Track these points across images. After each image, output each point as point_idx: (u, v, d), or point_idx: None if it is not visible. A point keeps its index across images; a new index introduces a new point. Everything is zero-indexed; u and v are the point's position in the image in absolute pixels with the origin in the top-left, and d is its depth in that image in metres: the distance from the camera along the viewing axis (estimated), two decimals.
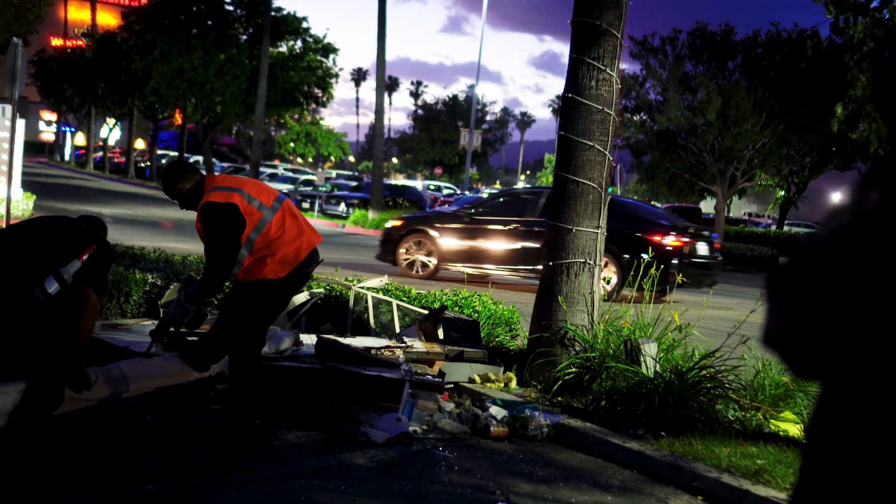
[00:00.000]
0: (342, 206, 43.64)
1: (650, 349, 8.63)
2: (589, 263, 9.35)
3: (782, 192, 52.54)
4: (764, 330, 1.82)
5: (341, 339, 8.66)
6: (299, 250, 6.99)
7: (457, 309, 10.73)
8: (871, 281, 1.58)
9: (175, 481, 5.91)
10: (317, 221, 39.74)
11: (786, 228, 54.44)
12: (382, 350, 8.71)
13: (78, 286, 5.82)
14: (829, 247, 1.65)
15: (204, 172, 7.18)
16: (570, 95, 9.38)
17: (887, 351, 1.57)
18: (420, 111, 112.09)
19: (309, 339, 8.90)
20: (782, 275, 1.75)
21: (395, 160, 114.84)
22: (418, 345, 9.25)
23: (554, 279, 9.39)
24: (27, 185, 26.37)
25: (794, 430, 8.16)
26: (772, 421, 8.22)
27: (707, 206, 65.95)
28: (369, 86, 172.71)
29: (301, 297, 10.43)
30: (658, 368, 8.51)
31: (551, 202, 9.64)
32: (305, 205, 44.48)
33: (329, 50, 54.82)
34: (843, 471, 1.65)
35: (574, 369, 8.89)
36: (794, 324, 1.70)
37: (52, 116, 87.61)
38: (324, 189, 48.07)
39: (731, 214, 68.22)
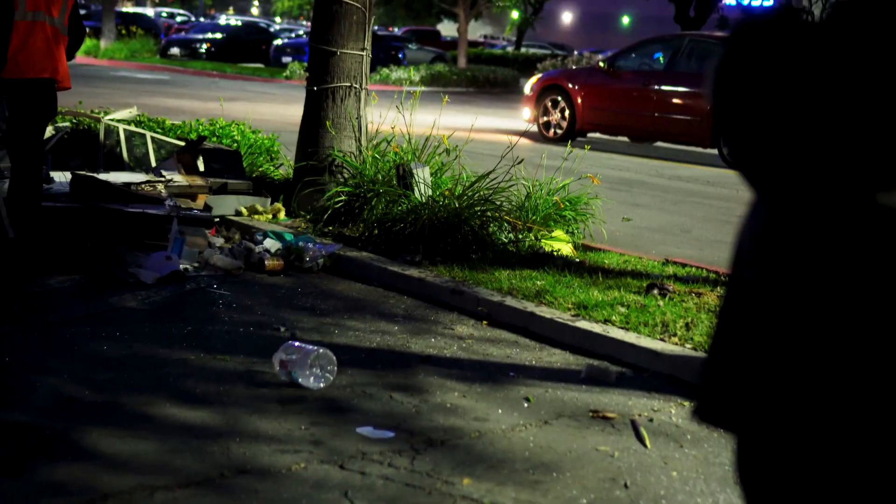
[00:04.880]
0: None
1: (422, 174, 8.47)
2: (355, 87, 9.03)
3: (517, 14, 53.09)
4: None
5: (98, 176, 8.09)
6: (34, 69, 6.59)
7: (215, 139, 10.24)
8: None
9: None
10: None
11: (523, 49, 55.23)
12: (143, 185, 8.21)
13: None
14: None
15: None
16: None
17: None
18: None
19: (60, 177, 8.29)
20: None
21: None
22: (178, 178, 8.77)
23: (319, 104, 9.04)
24: None
25: (567, 249, 8.23)
26: (544, 241, 8.25)
27: (444, 28, 66.12)
28: None
29: (46, 133, 9.70)
30: (431, 193, 8.37)
31: (312, 23, 9.25)
32: None
33: None
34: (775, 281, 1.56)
35: (343, 197, 8.65)
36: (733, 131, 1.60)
37: None
38: None
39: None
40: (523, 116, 19.47)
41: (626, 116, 17.75)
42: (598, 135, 18.40)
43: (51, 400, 4.69)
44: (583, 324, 6.23)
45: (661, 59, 18.31)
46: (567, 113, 18.37)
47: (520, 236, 8.23)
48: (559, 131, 18.33)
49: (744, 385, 1.58)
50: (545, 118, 18.69)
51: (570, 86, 18.48)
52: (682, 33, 20.04)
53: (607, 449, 4.58)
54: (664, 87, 17.28)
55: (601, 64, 19.01)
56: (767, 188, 1.57)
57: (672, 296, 6.85)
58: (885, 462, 1.48)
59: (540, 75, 20.30)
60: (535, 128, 18.46)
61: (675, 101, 17.07)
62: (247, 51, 41.38)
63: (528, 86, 19.58)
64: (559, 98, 18.52)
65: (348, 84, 8.98)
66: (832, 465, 1.52)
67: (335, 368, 5.16)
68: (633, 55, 18.69)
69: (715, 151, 16.46)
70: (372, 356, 5.74)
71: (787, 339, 1.52)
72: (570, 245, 8.34)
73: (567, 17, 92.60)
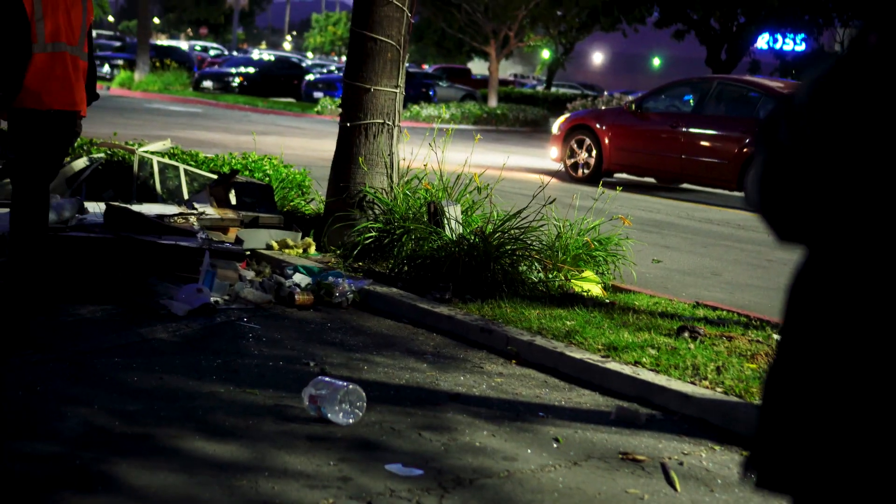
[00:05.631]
0: (106, 68, 41.74)
1: (454, 212, 8.48)
2: (388, 124, 9.06)
3: (549, 53, 53.26)
4: (746, 193, 1.68)
5: (131, 207, 8.14)
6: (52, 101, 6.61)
7: (247, 173, 10.30)
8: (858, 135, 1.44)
9: None
10: None
11: (553, 89, 55.39)
12: (176, 217, 8.25)
13: None
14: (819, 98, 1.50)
15: None
16: None
17: (876, 209, 1.44)
18: None
19: (94, 208, 8.35)
20: (766, 133, 1.59)
21: (156, 20, 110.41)
22: (210, 211, 8.82)
23: (352, 141, 9.08)
24: None
25: (596, 290, 8.20)
26: (574, 281, 8.23)
27: (475, 67, 66.40)
28: None
29: (80, 163, 9.79)
30: (462, 231, 8.38)
31: (347, 60, 9.31)
32: None
33: None
34: (832, 334, 1.51)
35: (374, 233, 8.67)
36: (779, 184, 1.55)
37: None
38: None
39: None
40: (551, 155, 19.50)
41: (653, 158, 17.75)
42: (625, 175, 18.40)
43: (80, 430, 4.69)
44: (613, 365, 6.20)
45: (689, 101, 18.34)
46: (594, 153, 18.40)
47: (550, 276, 8.21)
48: (586, 171, 18.36)
49: (807, 448, 1.53)
50: (572, 158, 18.71)
51: (598, 126, 18.51)
52: (711, 76, 20.05)
53: (637, 492, 4.54)
54: (692, 130, 17.28)
55: (629, 105, 19.04)
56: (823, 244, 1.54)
57: (703, 339, 6.81)
58: None
59: (568, 115, 20.34)
60: (562, 167, 18.49)
61: (703, 143, 17.07)
62: (279, 85, 41.70)
63: (556, 125, 19.61)
64: (586, 138, 18.55)
65: (381, 121, 9.02)
66: None
67: (364, 405, 5.15)
68: (662, 97, 18.72)
69: (743, 194, 16.41)
70: (401, 393, 5.72)
71: (852, 402, 1.48)
72: (600, 286, 8.31)
73: (598, 58, 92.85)
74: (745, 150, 16.21)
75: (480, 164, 10.05)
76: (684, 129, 17.33)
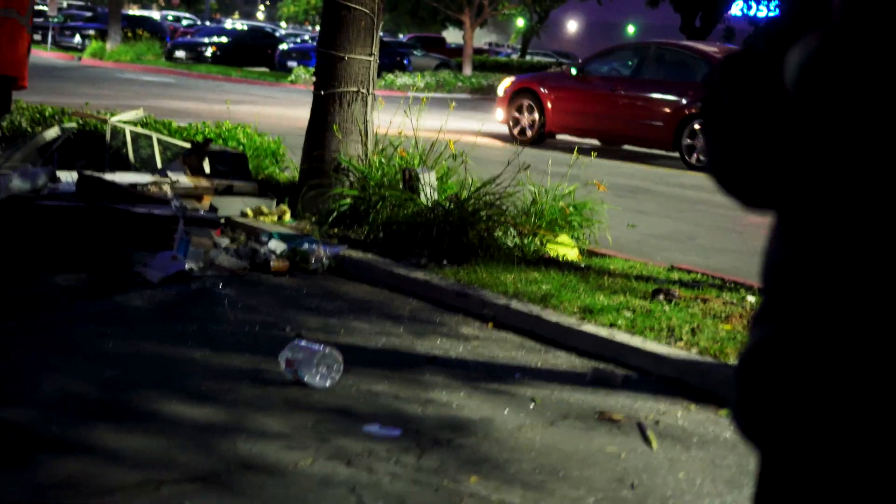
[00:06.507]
0: (77, 38, 41.36)
1: (429, 178, 8.47)
2: (362, 92, 9.03)
3: (523, 21, 53.15)
4: (711, 160, 1.64)
5: (104, 176, 8.09)
6: None
7: (220, 141, 10.25)
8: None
9: None
10: (51, 54, 37.62)
11: (528, 57, 55.30)
12: (149, 186, 8.21)
13: None
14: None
15: None
16: None
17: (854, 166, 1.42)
18: None
19: (67, 177, 8.29)
20: (723, 86, 1.56)
21: None
22: (184, 179, 8.77)
23: (326, 109, 9.04)
24: None
25: (572, 254, 8.22)
26: (549, 245, 8.24)
27: (449, 35, 66.19)
28: None
29: (52, 133, 9.72)
30: (437, 197, 8.37)
31: (321, 29, 9.27)
32: (37, 36, 41.86)
33: None
34: (815, 312, 1.48)
35: (349, 200, 8.65)
36: (743, 142, 1.52)
37: None
38: (56, 20, 45.38)
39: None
40: (496, 118, 19.78)
41: (593, 119, 18.25)
42: (567, 137, 18.66)
43: (57, 396, 4.68)
44: (588, 327, 6.23)
45: (629, 65, 18.61)
46: (537, 115, 18.67)
47: (525, 241, 8.22)
48: (529, 132, 18.64)
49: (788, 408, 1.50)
50: (516, 120, 18.99)
51: (541, 90, 18.87)
52: (649, 41, 20.34)
53: (614, 450, 4.58)
54: (630, 93, 17.74)
55: (571, 69, 19.36)
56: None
57: (678, 301, 6.85)
58: None
59: (513, 78, 20.61)
60: (506, 129, 18.93)
61: (640, 105, 17.59)
62: (252, 55, 41.43)
63: (501, 88, 19.98)
64: (530, 101, 18.82)
65: (355, 89, 8.98)
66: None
67: (341, 368, 5.16)
68: (603, 61, 19.14)
69: (676, 154, 17.18)
70: (378, 356, 5.74)
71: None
72: (575, 250, 8.33)
73: (572, 26, 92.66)
74: (682, 111, 16.85)
75: (455, 130, 10.04)
76: (623, 93, 17.89)
